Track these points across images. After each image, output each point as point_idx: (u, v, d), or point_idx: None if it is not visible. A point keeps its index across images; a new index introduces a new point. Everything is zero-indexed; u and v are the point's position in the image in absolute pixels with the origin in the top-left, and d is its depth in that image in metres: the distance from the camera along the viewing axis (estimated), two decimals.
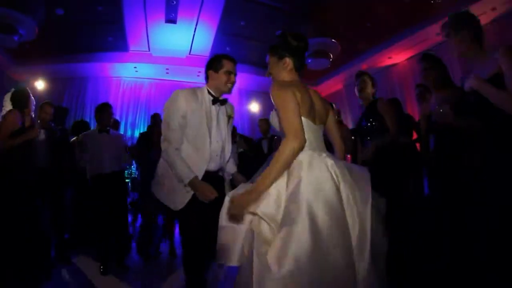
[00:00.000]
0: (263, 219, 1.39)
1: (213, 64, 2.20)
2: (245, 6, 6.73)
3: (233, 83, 2.22)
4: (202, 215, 2.03)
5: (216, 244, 1.58)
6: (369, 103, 3.04)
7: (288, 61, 1.71)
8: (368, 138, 3.02)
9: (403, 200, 2.65)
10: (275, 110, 1.65)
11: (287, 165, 1.45)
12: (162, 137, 2.14)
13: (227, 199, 1.55)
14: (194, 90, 2.17)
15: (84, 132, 3.95)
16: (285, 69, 1.71)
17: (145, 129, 6.22)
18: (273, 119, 1.74)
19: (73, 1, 6.08)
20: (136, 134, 8.81)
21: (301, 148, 1.44)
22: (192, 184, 2.00)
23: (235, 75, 2.24)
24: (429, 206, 2.52)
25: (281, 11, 6.80)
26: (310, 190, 1.37)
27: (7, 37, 5.66)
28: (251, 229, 1.43)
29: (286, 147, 1.41)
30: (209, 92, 2.21)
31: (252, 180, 1.65)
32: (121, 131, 8.28)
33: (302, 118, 1.51)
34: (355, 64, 8.03)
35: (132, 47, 7.98)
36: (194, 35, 7.62)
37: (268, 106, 8.85)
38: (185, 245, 2.18)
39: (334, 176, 1.44)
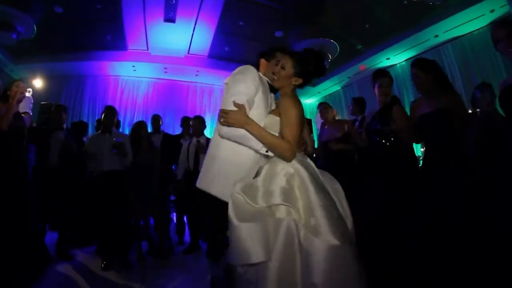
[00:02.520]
0: (287, 205, 1.56)
1: (266, 54, 2.08)
2: (244, 6, 6.72)
3: None
4: None
5: None
6: (384, 105, 2.97)
7: (299, 82, 1.85)
8: (378, 138, 2.96)
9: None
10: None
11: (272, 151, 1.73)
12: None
13: (233, 199, 1.62)
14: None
15: (90, 135, 4.07)
16: (291, 84, 1.85)
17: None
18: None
19: None
20: None
21: (290, 160, 1.71)
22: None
23: None
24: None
25: (280, 11, 6.81)
26: (312, 181, 1.63)
27: (5, 34, 5.64)
28: (280, 220, 1.53)
29: (285, 152, 1.68)
30: None
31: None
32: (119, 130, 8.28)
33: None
34: (354, 65, 8.06)
35: (130, 46, 7.98)
36: (192, 34, 7.61)
37: None
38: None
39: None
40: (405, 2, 5.33)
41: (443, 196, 2.36)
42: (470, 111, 3.59)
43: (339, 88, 9.57)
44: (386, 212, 2.57)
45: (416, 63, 2.69)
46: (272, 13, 6.87)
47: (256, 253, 1.47)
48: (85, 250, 4.13)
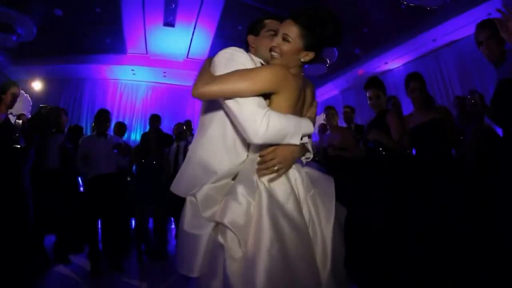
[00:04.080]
0: (230, 229, 1.19)
1: (253, 27, 1.64)
2: (243, 10, 6.75)
3: None
4: None
5: None
6: (380, 112, 3.03)
7: (310, 57, 1.40)
8: (374, 145, 3.00)
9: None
10: None
11: None
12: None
13: (188, 200, 1.34)
14: (249, 54, 1.52)
15: (83, 137, 4.20)
16: (299, 61, 1.40)
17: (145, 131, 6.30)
18: None
19: (72, 2, 6.08)
20: (133, 137, 8.81)
21: None
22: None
23: None
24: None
25: (279, 16, 6.83)
26: (274, 204, 1.22)
27: (5, 36, 5.64)
28: (217, 240, 1.22)
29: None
30: None
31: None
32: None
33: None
34: (352, 69, 8.09)
35: (129, 50, 7.99)
36: (192, 38, 7.62)
37: None
38: None
39: (296, 192, 1.32)
40: (403, 6, 5.37)
41: (443, 196, 2.38)
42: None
43: (337, 92, 9.60)
44: (386, 212, 2.57)
45: (417, 76, 2.86)
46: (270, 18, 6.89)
47: (191, 268, 1.27)
48: (82, 254, 4.11)
